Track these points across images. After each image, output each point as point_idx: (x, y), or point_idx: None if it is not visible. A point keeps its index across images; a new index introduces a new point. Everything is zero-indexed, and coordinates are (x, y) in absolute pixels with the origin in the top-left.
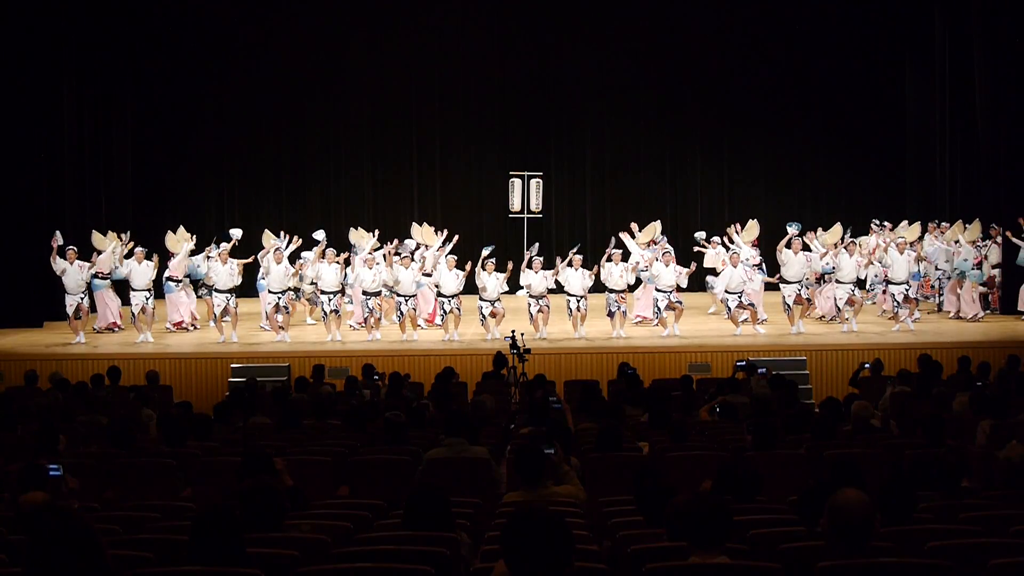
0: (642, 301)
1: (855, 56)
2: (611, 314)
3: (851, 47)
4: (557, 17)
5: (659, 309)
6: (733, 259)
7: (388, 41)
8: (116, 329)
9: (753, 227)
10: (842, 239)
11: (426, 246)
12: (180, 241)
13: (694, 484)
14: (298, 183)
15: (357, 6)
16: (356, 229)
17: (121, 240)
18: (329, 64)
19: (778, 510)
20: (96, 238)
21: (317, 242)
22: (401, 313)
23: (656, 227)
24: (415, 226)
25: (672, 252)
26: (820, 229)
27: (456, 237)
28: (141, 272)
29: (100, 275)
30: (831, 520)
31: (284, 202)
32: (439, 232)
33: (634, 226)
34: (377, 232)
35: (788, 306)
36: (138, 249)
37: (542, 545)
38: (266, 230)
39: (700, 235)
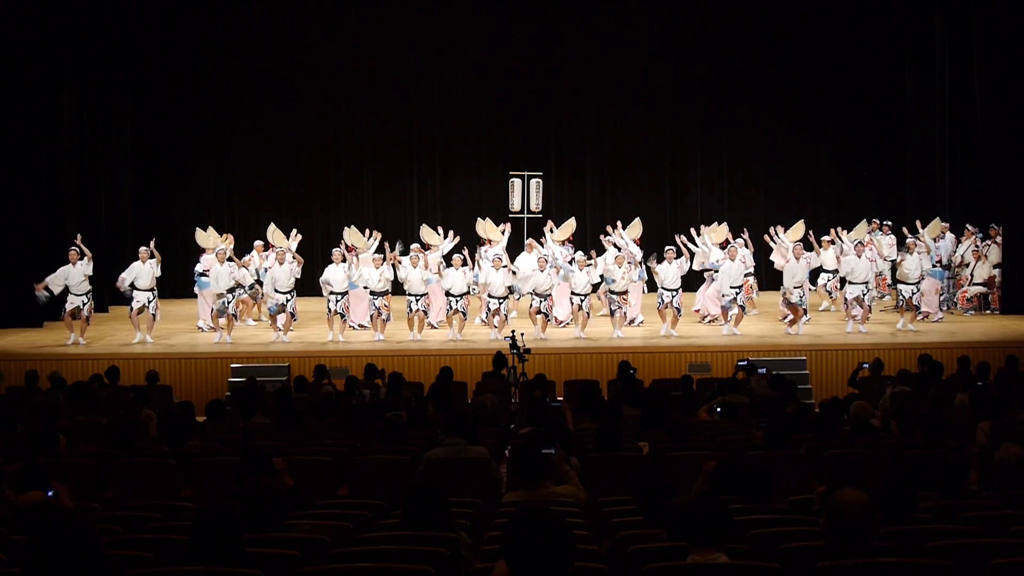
0: (707, 297)
1: (855, 56)
2: (612, 314)
3: (851, 47)
4: (557, 17)
5: (662, 303)
6: (619, 260)
7: (388, 41)
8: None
9: (636, 225)
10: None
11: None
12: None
13: (694, 484)
14: (298, 183)
15: (358, 6)
16: (349, 228)
17: (223, 238)
18: (329, 64)
19: (778, 510)
20: (200, 235)
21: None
22: (411, 311)
23: (637, 225)
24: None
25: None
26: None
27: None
28: (145, 272)
29: (206, 273)
30: (831, 520)
31: (284, 202)
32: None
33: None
34: (450, 233)
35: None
36: (142, 249)
37: (542, 545)
38: (352, 227)
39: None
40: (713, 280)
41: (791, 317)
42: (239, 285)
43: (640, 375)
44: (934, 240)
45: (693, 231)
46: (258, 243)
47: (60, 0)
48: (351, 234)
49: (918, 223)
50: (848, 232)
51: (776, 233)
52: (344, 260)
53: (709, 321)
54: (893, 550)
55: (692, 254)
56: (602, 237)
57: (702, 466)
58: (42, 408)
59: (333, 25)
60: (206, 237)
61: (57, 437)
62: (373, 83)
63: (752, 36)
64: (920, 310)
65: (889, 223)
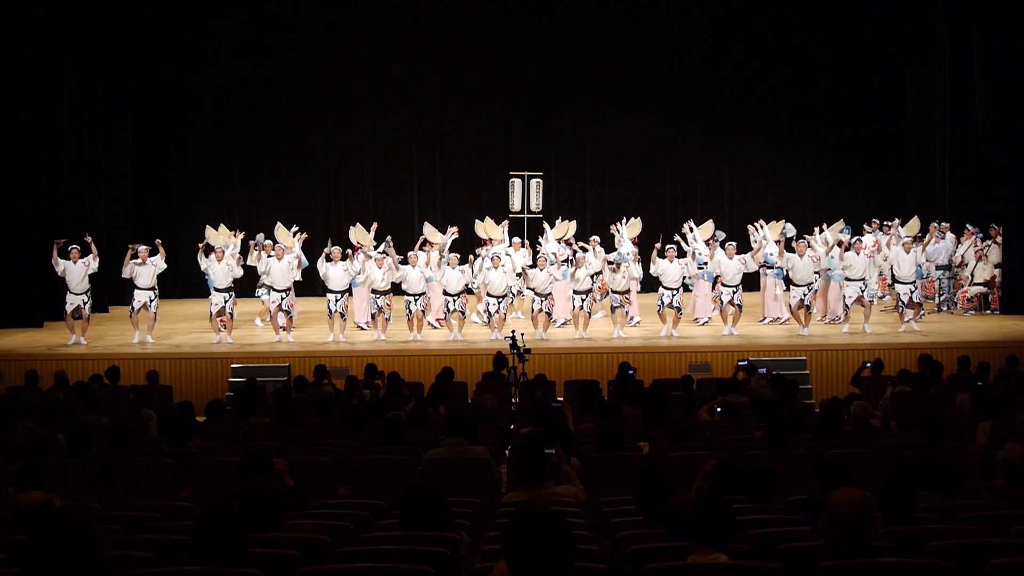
0: (699, 301)
1: (855, 56)
2: (612, 311)
3: (851, 47)
4: (557, 17)
5: (662, 305)
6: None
7: (389, 41)
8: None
9: (634, 225)
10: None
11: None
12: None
13: (694, 484)
14: (298, 183)
15: (358, 5)
16: (355, 227)
17: (236, 237)
18: (330, 63)
19: (778, 510)
20: (210, 233)
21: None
22: (410, 312)
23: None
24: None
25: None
26: (818, 229)
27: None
28: (145, 271)
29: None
30: (829, 520)
31: (284, 201)
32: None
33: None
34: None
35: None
36: (141, 248)
37: (543, 545)
38: (358, 224)
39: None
40: (702, 280)
41: (787, 317)
42: (262, 284)
43: (640, 375)
44: (914, 239)
45: (687, 226)
46: (267, 242)
47: (60, 0)
48: (356, 232)
49: (897, 221)
50: (821, 232)
51: (757, 228)
52: (344, 259)
53: (703, 323)
54: (893, 550)
55: (690, 252)
56: (578, 246)
57: (702, 466)
58: (42, 408)
59: (334, 25)
60: (216, 236)
61: (57, 437)
62: (374, 82)
63: (753, 36)
64: (922, 306)
65: (890, 223)
